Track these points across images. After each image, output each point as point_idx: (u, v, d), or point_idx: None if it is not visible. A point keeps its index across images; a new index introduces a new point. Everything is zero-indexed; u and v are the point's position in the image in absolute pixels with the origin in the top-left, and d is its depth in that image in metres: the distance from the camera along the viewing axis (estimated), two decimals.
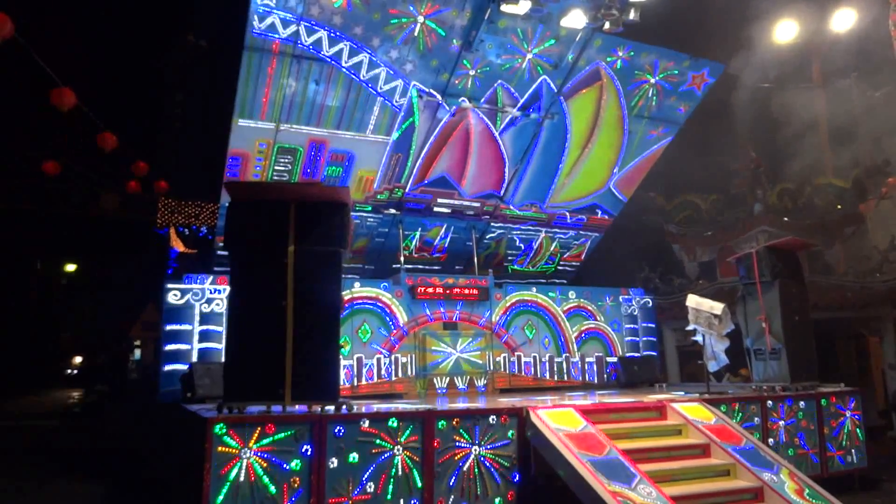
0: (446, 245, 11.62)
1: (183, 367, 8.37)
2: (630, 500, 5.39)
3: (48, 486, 8.69)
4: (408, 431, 5.94)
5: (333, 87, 9.13)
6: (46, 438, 13.63)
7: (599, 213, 12.15)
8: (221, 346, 8.57)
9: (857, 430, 8.41)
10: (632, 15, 9.02)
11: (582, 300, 11.13)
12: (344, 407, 5.82)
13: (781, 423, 7.82)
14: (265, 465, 5.40)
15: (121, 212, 20.75)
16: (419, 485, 5.88)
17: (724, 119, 13.86)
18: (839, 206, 13.46)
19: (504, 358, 10.23)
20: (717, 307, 8.35)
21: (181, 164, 20.45)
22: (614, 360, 11.00)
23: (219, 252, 10.16)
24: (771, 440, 7.62)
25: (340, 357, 6.40)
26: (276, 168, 9.64)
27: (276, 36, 8.43)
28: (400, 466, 5.85)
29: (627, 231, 13.53)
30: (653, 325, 11.64)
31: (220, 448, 5.28)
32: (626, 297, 11.51)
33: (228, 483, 5.26)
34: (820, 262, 13.10)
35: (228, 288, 7.18)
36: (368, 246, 11.20)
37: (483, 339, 10.06)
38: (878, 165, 13.10)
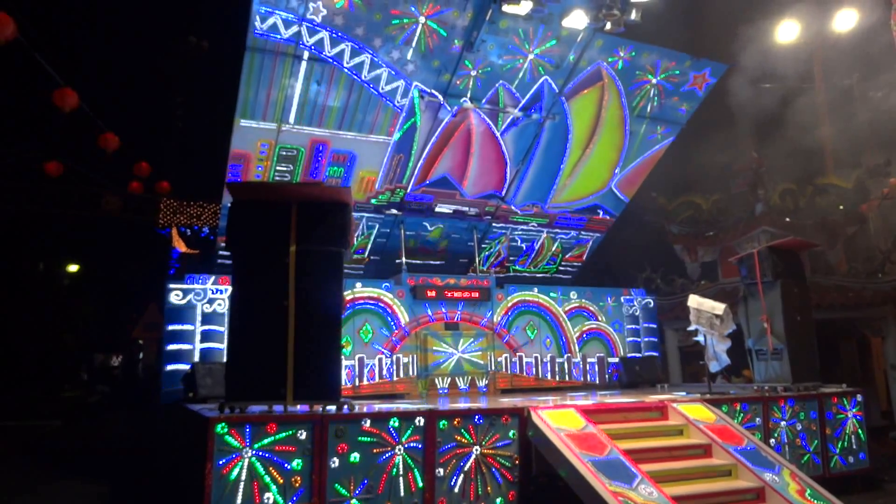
0: (448, 245, 11.63)
1: (185, 367, 8.39)
2: (631, 500, 5.39)
3: (50, 486, 8.69)
4: (409, 431, 5.94)
5: (335, 88, 9.15)
6: (49, 438, 13.65)
7: (601, 213, 12.15)
8: (223, 346, 8.58)
9: (859, 431, 8.39)
10: (633, 15, 9.02)
11: (583, 300, 11.13)
12: (345, 407, 5.82)
13: (783, 423, 7.81)
14: (267, 464, 5.41)
15: (123, 212, 20.75)
16: (420, 485, 5.88)
17: (725, 119, 13.86)
18: (841, 207, 13.45)
19: (505, 358, 10.24)
20: (719, 307, 8.34)
21: (183, 165, 20.48)
22: (616, 360, 10.99)
23: (220, 252, 10.18)
24: (772, 441, 7.61)
25: (342, 357, 6.40)
26: (278, 168, 9.66)
27: (278, 36, 8.46)
28: (401, 466, 5.85)
29: (629, 231, 13.54)
30: (654, 326, 11.63)
31: (221, 448, 5.29)
32: (628, 297, 11.50)
33: (230, 482, 5.26)
34: (822, 263, 13.09)
35: (230, 288, 7.19)
36: (370, 246, 11.21)
37: (484, 339, 10.06)
38: (880, 165, 13.09)
